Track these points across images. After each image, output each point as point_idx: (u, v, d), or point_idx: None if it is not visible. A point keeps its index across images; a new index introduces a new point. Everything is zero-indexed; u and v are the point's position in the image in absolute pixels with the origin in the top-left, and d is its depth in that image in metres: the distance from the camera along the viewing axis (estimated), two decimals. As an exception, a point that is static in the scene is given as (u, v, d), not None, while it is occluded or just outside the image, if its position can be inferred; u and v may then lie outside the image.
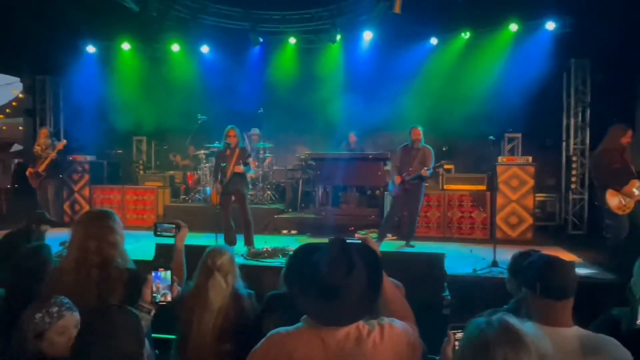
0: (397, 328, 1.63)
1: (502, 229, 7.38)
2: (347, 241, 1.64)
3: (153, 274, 1.86)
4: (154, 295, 1.89)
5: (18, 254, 2.46)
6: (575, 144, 9.08)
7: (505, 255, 5.52)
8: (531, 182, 7.50)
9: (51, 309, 1.77)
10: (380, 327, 1.59)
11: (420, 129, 6.69)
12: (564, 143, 9.22)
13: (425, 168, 6.39)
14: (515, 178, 7.50)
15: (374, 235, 7.42)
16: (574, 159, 9.02)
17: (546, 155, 9.15)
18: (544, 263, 1.87)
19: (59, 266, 1.94)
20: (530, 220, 7.47)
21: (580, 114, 9.08)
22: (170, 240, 2.65)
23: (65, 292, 1.85)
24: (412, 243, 6.76)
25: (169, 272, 1.85)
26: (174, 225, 2.63)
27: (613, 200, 5.50)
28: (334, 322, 1.54)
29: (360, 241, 1.84)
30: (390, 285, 1.82)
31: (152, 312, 2.06)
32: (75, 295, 1.86)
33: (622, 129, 5.53)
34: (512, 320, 1.36)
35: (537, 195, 7.92)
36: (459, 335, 1.55)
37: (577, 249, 6.68)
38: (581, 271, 5.12)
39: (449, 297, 4.05)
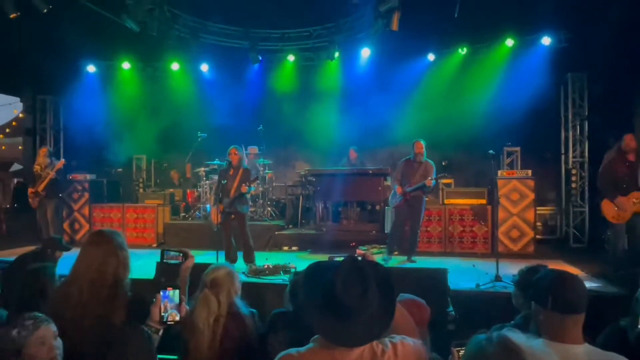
0: (410, 345, 1.62)
1: (504, 243, 7.37)
2: (361, 260, 1.63)
3: (161, 293, 1.85)
4: (162, 314, 1.87)
5: (20, 275, 2.45)
6: (574, 156, 9.11)
7: (508, 269, 5.51)
8: (532, 196, 7.51)
9: (26, 322, 1.73)
10: (393, 346, 1.58)
11: (422, 143, 6.74)
12: (563, 156, 9.25)
13: (430, 178, 6.45)
14: (516, 192, 7.51)
15: (376, 250, 7.41)
16: (574, 171, 9.04)
17: (546, 168, 9.18)
18: (556, 277, 1.86)
19: (65, 286, 1.93)
20: (531, 234, 7.46)
21: (578, 127, 9.12)
22: (173, 261, 2.63)
23: (72, 311, 1.83)
24: (413, 258, 6.72)
25: (177, 291, 1.84)
26: (180, 253, 2.63)
27: (608, 209, 5.56)
28: (349, 343, 1.52)
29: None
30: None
31: (160, 332, 2.05)
32: (84, 314, 1.85)
33: (620, 138, 5.61)
34: (514, 336, 1.35)
35: (538, 208, 7.92)
36: (463, 352, 1.54)
37: (579, 262, 6.64)
38: (585, 284, 5.08)
39: (453, 312, 4.02)
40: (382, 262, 6.22)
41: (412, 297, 2.46)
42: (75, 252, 2.22)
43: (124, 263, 2.02)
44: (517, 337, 1.37)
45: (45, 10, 8.02)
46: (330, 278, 1.55)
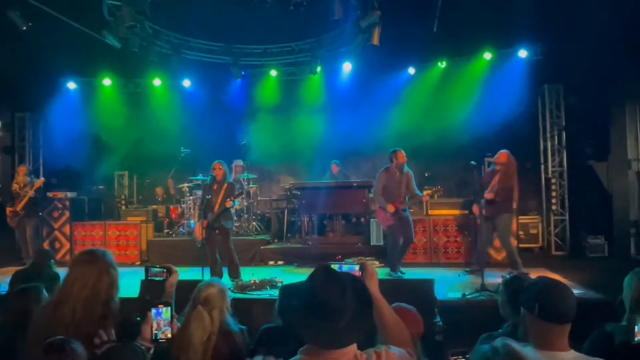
0: (394, 355, 1.63)
1: (488, 253, 7.43)
2: (331, 265, 1.68)
3: (153, 310, 1.83)
4: (154, 332, 1.85)
5: (8, 295, 2.41)
6: (553, 166, 9.30)
7: (493, 278, 5.58)
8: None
9: None
10: (377, 355, 1.60)
11: (403, 152, 6.62)
12: (542, 165, 9.44)
13: (425, 193, 6.45)
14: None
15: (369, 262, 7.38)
16: (553, 180, 9.22)
17: (526, 178, 9.32)
18: (545, 286, 1.88)
19: (54, 306, 1.89)
20: (514, 243, 7.54)
21: (556, 137, 9.34)
22: (158, 277, 2.61)
23: (64, 332, 1.80)
24: (402, 269, 6.72)
25: (169, 309, 1.82)
26: (164, 270, 2.61)
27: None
28: (335, 344, 1.54)
29: (356, 266, 1.87)
30: (389, 310, 1.82)
31: (151, 350, 2.02)
32: (77, 334, 1.81)
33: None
34: (515, 345, 1.38)
35: (520, 217, 8.04)
36: None
37: (561, 270, 6.75)
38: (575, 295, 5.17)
39: (440, 323, 4.03)
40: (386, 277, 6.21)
41: (406, 305, 2.48)
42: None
43: (114, 282, 2.00)
44: (517, 346, 1.40)
45: (24, 28, 7.97)
46: (308, 285, 1.59)
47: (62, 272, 2.52)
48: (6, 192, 9.12)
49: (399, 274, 6.59)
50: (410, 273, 6.73)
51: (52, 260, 4.22)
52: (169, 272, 2.60)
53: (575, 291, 5.30)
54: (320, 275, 1.60)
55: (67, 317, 1.83)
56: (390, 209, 6.42)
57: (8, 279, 6.46)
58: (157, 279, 2.57)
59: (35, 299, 2.44)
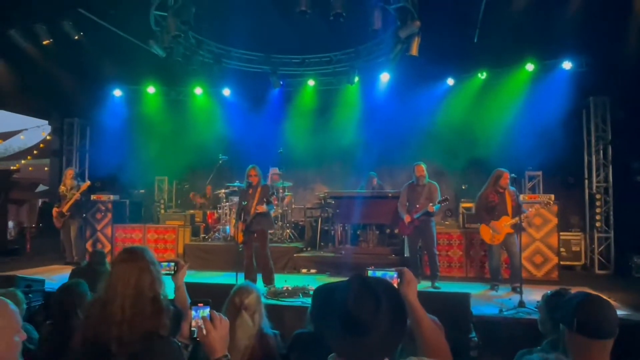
0: None
1: (527, 269, 7.21)
2: (368, 276, 1.65)
3: (193, 309, 1.88)
4: (192, 330, 1.90)
5: (59, 291, 2.53)
6: (598, 181, 8.96)
7: (532, 295, 5.40)
8: (555, 221, 7.36)
9: None
10: None
11: (423, 166, 6.87)
12: (586, 181, 9.10)
13: (431, 204, 6.54)
14: (539, 216, 7.37)
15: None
16: (597, 196, 8.87)
17: (568, 193, 9.03)
18: (583, 300, 1.81)
19: (101, 303, 1.96)
20: (555, 259, 7.30)
21: (601, 152, 9.00)
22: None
23: (118, 329, 1.86)
24: (437, 284, 6.62)
25: (208, 308, 1.86)
26: (174, 264, 2.67)
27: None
28: (364, 359, 1.52)
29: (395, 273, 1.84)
30: (427, 319, 1.78)
31: (189, 348, 2.06)
32: (132, 331, 1.87)
33: None
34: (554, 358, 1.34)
35: (562, 234, 7.76)
36: None
37: (605, 290, 6.45)
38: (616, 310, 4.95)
39: (475, 338, 3.94)
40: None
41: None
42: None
43: (157, 278, 2.05)
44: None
45: (76, 37, 8.38)
46: (342, 296, 1.57)
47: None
48: (54, 193, 9.55)
49: (434, 289, 6.51)
50: (445, 286, 6.60)
51: (106, 260, 4.64)
52: (177, 265, 2.67)
53: (621, 312, 5.09)
54: (355, 287, 1.57)
55: (117, 315, 1.87)
56: (407, 218, 6.74)
57: (54, 276, 6.77)
58: (165, 272, 2.58)
59: (78, 295, 2.54)
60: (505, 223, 6.37)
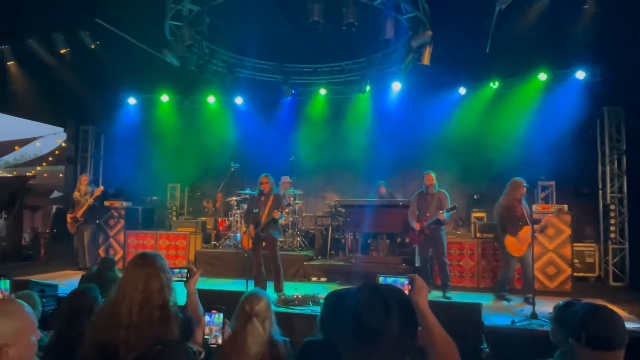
0: None
1: (540, 280, 7.11)
2: (379, 283, 1.64)
3: (206, 315, 1.88)
4: (205, 337, 1.90)
5: (70, 296, 2.56)
6: (612, 192, 8.85)
7: (544, 307, 5.33)
8: (568, 231, 7.28)
9: None
10: None
11: (433, 175, 6.86)
12: (600, 191, 8.99)
13: (441, 212, 6.52)
14: (551, 227, 7.28)
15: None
16: (612, 207, 8.75)
17: (582, 203, 8.91)
18: (588, 311, 1.79)
19: (112, 306, 1.97)
20: (569, 271, 7.20)
21: (615, 162, 8.90)
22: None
23: (125, 332, 1.87)
24: (448, 294, 6.58)
25: (221, 315, 1.86)
26: (186, 271, 2.69)
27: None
28: None
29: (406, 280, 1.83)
30: (439, 327, 1.77)
31: (202, 354, 2.07)
32: (139, 335, 1.88)
33: None
34: None
35: (575, 245, 7.67)
36: None
37: (620, 302, 6.35)
38: (628, 325, 4.86)
39: (487, 349, 3.90)
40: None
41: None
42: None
43: (167, 285, 2.06)
44: None
45: (92, 47, 8.54)
46: (352, 303, 1.57)
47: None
48: (68, 200, 9.68)
49: (445, 299, 6.46)
50: (457, 297, 6.55)
51: (116, 267, 4.74)
52: (189, 272, 2.67)
53: (636, 325, 5.00)
54: (365, 293, 1.58)
55: (124, 319, 1.89)
56: (417, 226, 6.77)
57: (67, 281, 6.84)
58: (177, 279, 2.59)
59: (89, 300, 2.57)
60: (528, 233, 6.25)
